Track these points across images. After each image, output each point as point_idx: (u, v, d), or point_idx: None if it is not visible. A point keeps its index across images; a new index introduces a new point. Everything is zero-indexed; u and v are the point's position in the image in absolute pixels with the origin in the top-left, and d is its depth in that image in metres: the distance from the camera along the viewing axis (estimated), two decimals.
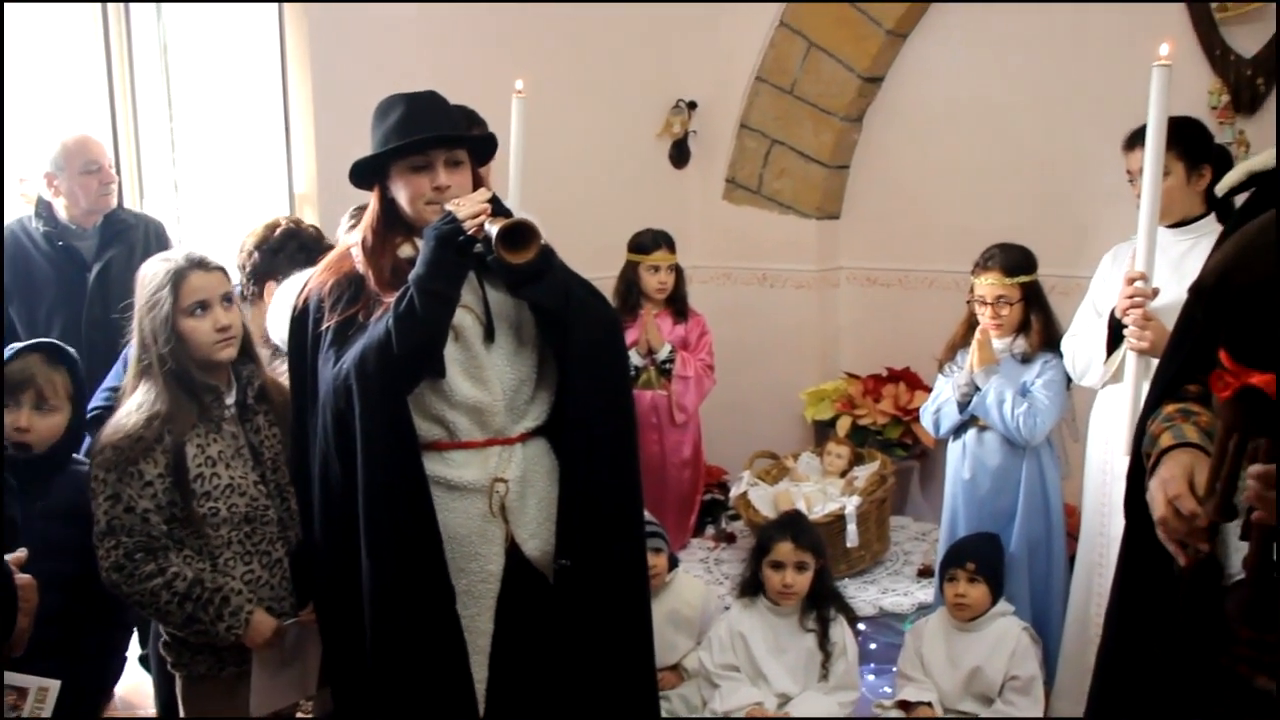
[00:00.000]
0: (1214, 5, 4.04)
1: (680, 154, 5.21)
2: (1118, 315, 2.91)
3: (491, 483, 2.36)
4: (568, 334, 2.38)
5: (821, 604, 3.33)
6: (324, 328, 2.33)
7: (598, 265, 4.38)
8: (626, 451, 2.52)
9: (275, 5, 3.94)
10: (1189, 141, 3.02)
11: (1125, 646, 1.79)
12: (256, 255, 3.07)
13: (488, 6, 4.32)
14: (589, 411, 2.40)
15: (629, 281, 4.23)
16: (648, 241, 4.22)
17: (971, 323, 3.58)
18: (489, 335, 2.38)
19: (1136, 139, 2.97)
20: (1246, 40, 3.99)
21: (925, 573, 3.95)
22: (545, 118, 4.13)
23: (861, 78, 4.85)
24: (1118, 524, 1.91)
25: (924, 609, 3.73)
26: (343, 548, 2.31)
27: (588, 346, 2.40)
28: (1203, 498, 1.53)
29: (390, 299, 2.27)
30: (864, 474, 4.10)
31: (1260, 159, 1.86)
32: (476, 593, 2.38)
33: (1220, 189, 1.95)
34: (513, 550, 2.41)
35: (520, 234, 2.22)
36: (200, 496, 2.42)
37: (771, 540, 3.37)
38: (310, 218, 3.87)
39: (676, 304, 4.26)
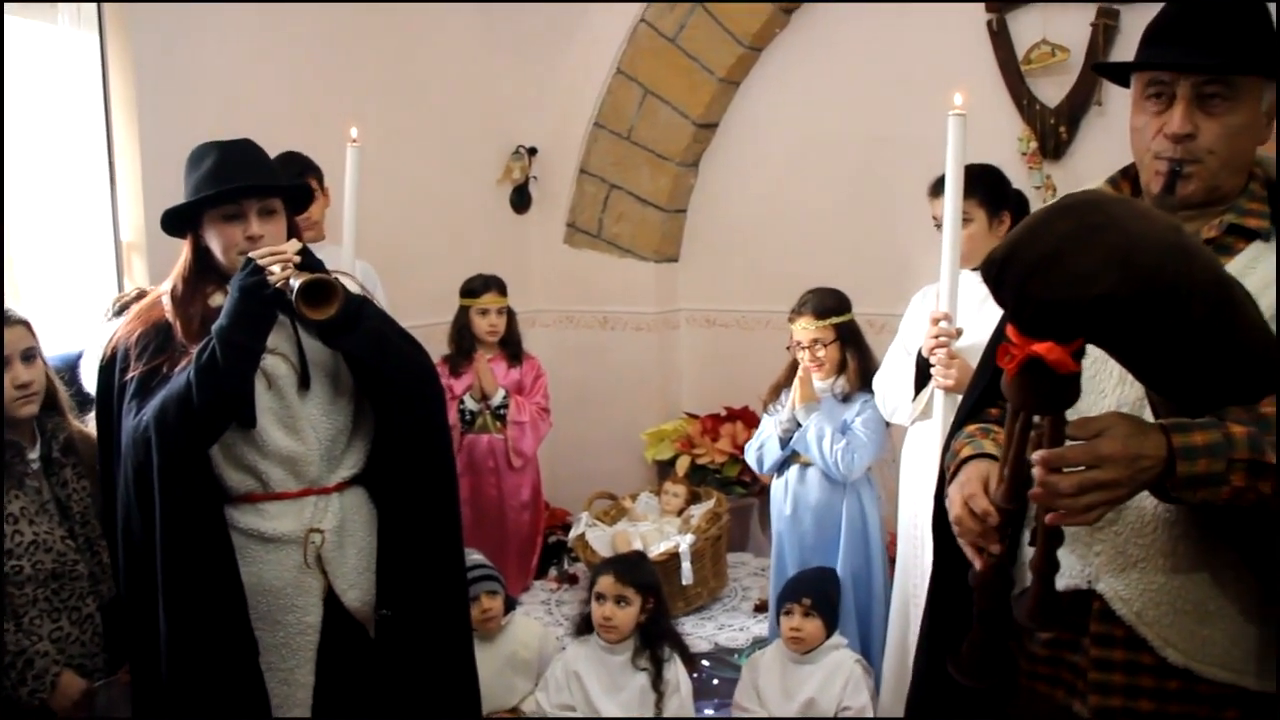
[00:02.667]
0: (1020, 57, 4.27)
1: (521, 199, 5.25)
2: (924, 354, 3.03)
3: (306, 533, 2.33)
4: (382, 383, 2.37)
5: (655, 643, 3.36)
6: (128, 377, 2.29)
7: (438, 311, 4.41)
8: (445, 499, 2.52)
9: (98, 50, 3.85)
10: (989, 189, 3.16)
11: (935, 671, 1.83)
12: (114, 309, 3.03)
13: (324, 51, 4.29)
14: (406, 460, 2.40)
15: (460, 326, 4.25)
16: (477, 285, 4.25)
17: (794, 365, 3.68)
18: (304, 384, 2.35)
19: (939, 186, 3.10)
20: (1051, 90, 4.23)
21: (761, 608, 4.02)
22: (383, 164, 4.14)
23: (696, 124, 4.97)
24: (930, 555, 1.99)
25: (760, 643, 3.80)
26: (146, 603, 2.26)
27: (403, 395, 2.40)
28: (993, 490, 1.59)
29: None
30: (700, 512, 4.17)
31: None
32: (294, 645, 2.34)
33: None
34: (333, 601, 2.38)
35: (321, 290, 2.20)
36: (3, 555, 2.34)
37: (598, 575, 3.41)
38: (139, 267, 3.79)
39: (510, 348, 4.29)
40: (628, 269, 5.17)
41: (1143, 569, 1.63)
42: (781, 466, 3.70)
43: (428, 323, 4.40)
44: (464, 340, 4.24)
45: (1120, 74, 1.82)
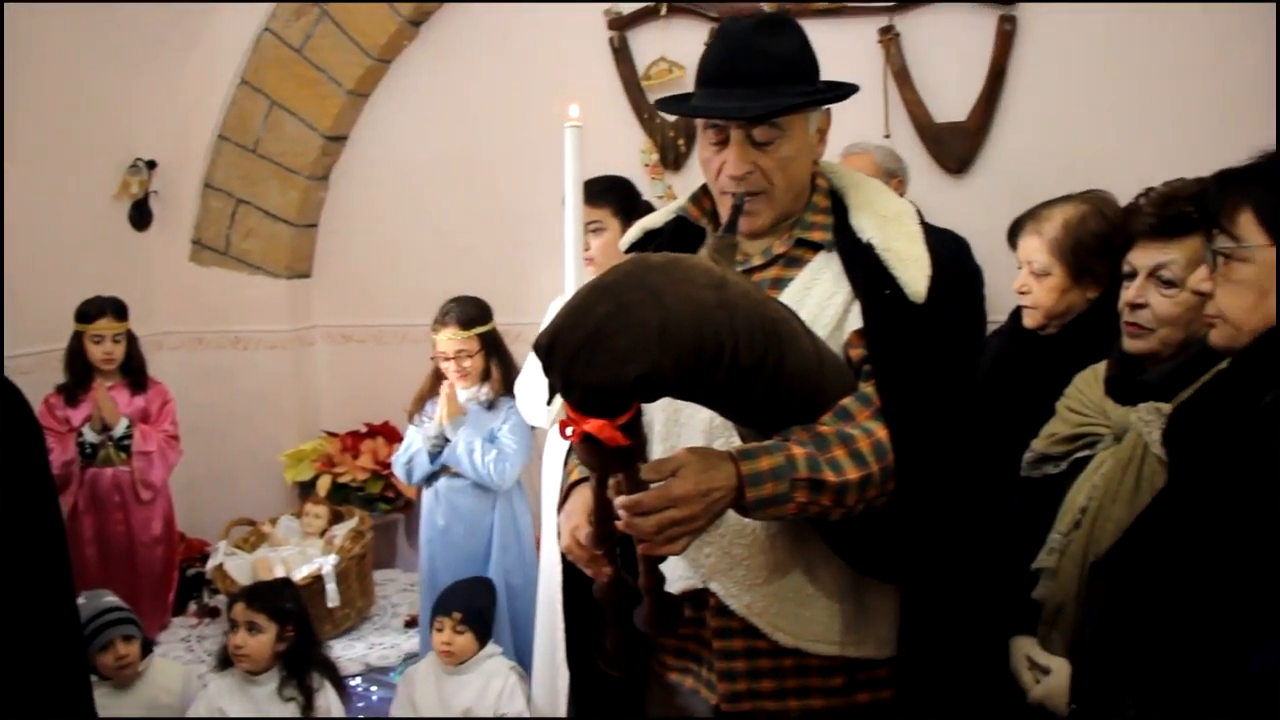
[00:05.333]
0: (640, 73, 4.49)
1: (141, 215, 4.96)
2: None
3: None
4: None
5: (302, 671, 3.29)
6: None
7: (52, 337, 4.10)
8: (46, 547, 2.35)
9: None
10: (621, 199, 3.28)
11: (587, 663, 1.92)
12: None
13: None
14: None
15: (74, 353, 3.98)
16: (92, 310, 3.99)
17: (437, 375, 3.71)
18: None
19: (585, 194, 3.19)
20: None
21: (412, 623, 4.02)
22: None
23: (325, 137, 4.89)
24: None
25: (412, 658, 3.80)
26: None
27: None
28: (586, 534, 1.70)
29: None
30: (343, 532, 4.11)
31: (653, 217, 2.10)
32: None
33: (621, 245, 2.16)
34: None
35: None
36: None
37: (232, 604, 3.30)
38: None
39: (132, 374, 4.06)
40: (258, 286, 5.01)
41: (747, 566, 1.80)
42: (431, 477, 3.71)
43: (41, 350, 4.11)
44: (79, 368, 3.97)
45: None
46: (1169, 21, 3.95)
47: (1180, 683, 1.37)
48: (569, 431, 1.50)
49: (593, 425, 1.46)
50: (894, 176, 3.73)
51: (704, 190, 1.97)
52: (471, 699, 3.42)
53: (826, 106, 1.89)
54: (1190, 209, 1.89)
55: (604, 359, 1.43)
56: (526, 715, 3.41)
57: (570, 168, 2.79)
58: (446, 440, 3.63)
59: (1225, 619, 1.31)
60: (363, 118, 4.98)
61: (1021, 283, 2.43)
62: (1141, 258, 1.98)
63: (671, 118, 4.45)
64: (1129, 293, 1.98)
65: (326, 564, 3.83)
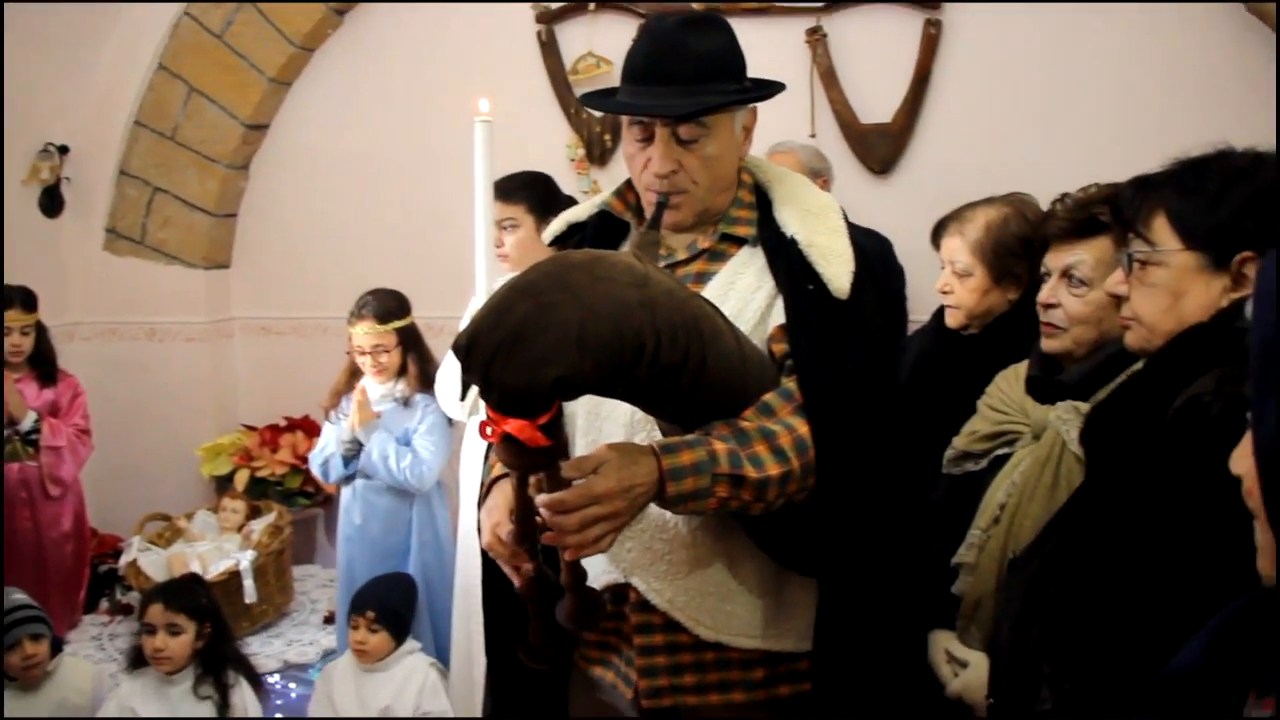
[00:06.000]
0: (568, 68, 4.48)
1: (52, 202, 4.81)
2: None
3: None
4: None
5: (218, 668, 3.22)
6: None
7: None
8: None
9: None
10: (536, 195, 3.26)
11: (507, 657, 1.91)
12: None
13: None
14: None
15: None
16: None
17: (353, 370, 3.66)
18: None
19: (498, 191, 3.17)
20: None
21: (331, 619, 3.97)
22: None
23: (246, 125, 4.79)
24: None
25: (330, 654, 3.75)
26: None
27: None
28: (508, 532, 1.69)
29: None
30: (260, 527, 4.04)
31: (577, 210, 2.10)
32: None
33: (545, 237, 2.16)
34: None
35: None
36: None
37: (146, 604, 3.21)
38: None
39: (41, 366, 3.94)
40: (175, 277, 4.89)
41: (669, 561, 1.80)
42: (349, 475, 3.66)
43: None
44: None
45: None
46: (1092, 27, 4.04)
47: (1095, 677, 1.40)
48: (489, 431, 1.49)
49: (512, 426, 1.46)
50: (819, 176, 3.76)
51: (628, 184, 1.96)
52: (390, 697, 3.38)
53: (752, 105, 1.89)
54: (1099, 211, 1.93)
55: (523, 360, 1.42)
56: (449, 712, 3.39)
57: (480, 163, 2.76)
58: (361, 445, 3.57)
59: (1139, 615, 1.34)
60: (285, 106, 4.89)
61: (944, 283, 2.46)
62: (1054, 259, 2.02)
63: (599, 113, 4.44)
64: (1042, 293, 2.03)
65: (244, 560, 3.77)
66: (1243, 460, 0.98)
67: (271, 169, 4.93)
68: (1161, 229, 1.55)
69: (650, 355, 1.50)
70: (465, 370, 1.48)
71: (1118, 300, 1.66)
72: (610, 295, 1.48)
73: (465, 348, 1.47)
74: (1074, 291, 1.98)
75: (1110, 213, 1.81)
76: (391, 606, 3.42)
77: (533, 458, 1.51)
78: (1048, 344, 2.03)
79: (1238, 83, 3.88)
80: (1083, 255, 1.97)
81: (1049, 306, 2.01)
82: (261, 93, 4.77)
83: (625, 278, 1.51)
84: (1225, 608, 1.03)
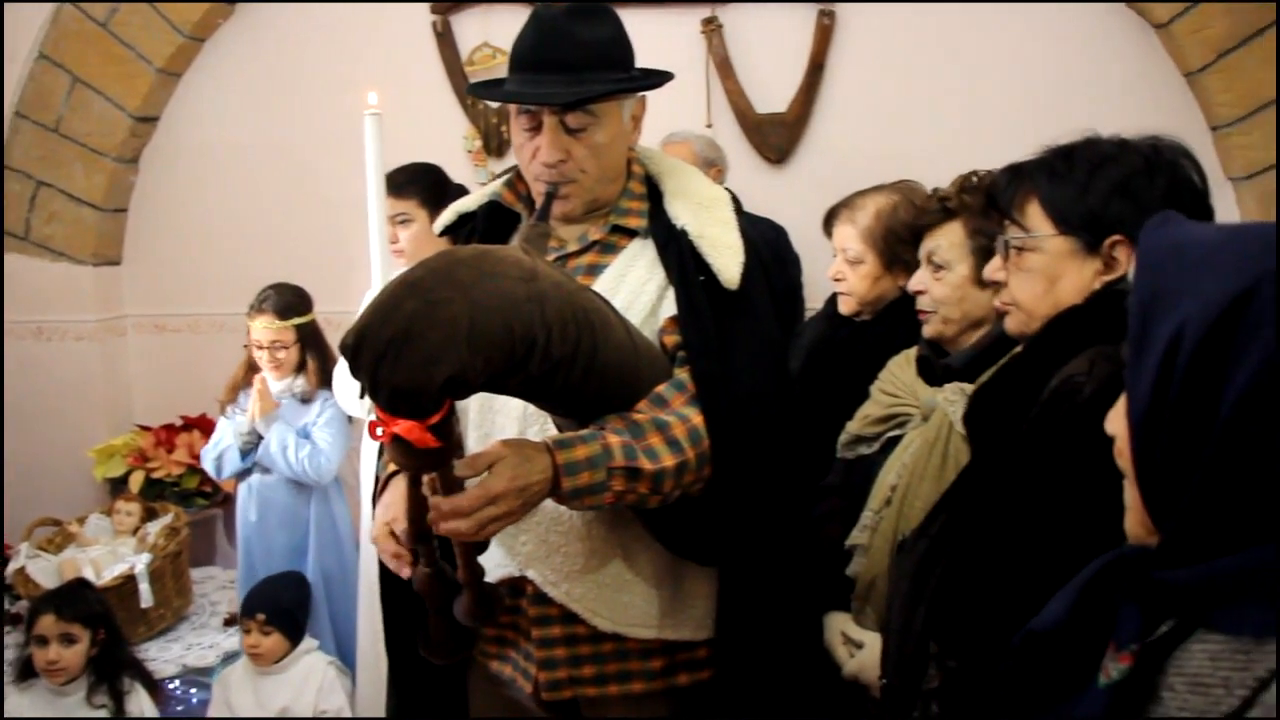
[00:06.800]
0: (464, 59, 4.44)
1: None
2: None
3: None
4: None
5: (112, 675, 3.15)
6: None
7: None
8: None
9: None
10: (427, 189, 3.22)
11: (408, 652, 1.90)
12: None
13: None
14: None
15: None
16: None
17: (251, 364, 3.60)
18: None
19: (389, 186, 3.12)
20: None
21: (231, 621, 3.90)
22: None
23: (134, 117, 4.66)
24: None
25: (231, 657, 3.68)
26: None
27: None
28: (401, 529, 1.68)
29: None
30: (156, 529, 3.94)
31: (467, 200, 2.08)
32: None
33: (435, 228, 2.14)
34: None
35: None
36: None
37: (35, 614, 3.12)
38: None
39: None
40: (63, 274, 4.74)
41: (565, 553, 1.80)
42: (245, 471, 3.60)
43: None
44: None
45: None
46: (984, 18, 4.14)
47: (982, 652, 1.43)
48: (379, 432, 1.47)
49: (402, 427, 1.44)
50: (713, 165, 3.79)
51: (518, 175, 1.96)
52: (288, 698, 3.33)
53: (642, 94, 1.90)
54: (946, 196, 2.05)
55: (411, 360, 1.40)
56: (345, 710, 3.35)
57: (371, 157, 2.72)
58: (259, 437, 3.51)
59: (1018, 589, 1.37)
60: (175, 98, 4.76)
61: (836, 270, 2.50)
62: (923, 246, 2.10)
63: (495, 104, 4.42)
64: (912, 281, 2.10)
65: (139, 563, 3.67)
66: (1116, 420, 1.01)
67: (163, 162, 4.80)
68: (1035, 215, 1.59)
69: (541, 350, 1.49)
70: (353, 370, 1.46)
71: (994, 285, 1.70)
72: (498, 291, 1.46)
73: (353, 347, 1.44)
74: (935, 275, 2.06)
75: (982, 199, 1.86)
76: (284, 607, 3.35)
77: (424, 458, 1.50)
78: (925, 329, 2.10)
79: (1120, 75, 4.03)
80: (939, 240, 2.06)
81: (919, 292, 2.09)
82: (150, 84, 4.64)
83: (513, 272, 1.50)
84: (1089, 565, 1.06)
